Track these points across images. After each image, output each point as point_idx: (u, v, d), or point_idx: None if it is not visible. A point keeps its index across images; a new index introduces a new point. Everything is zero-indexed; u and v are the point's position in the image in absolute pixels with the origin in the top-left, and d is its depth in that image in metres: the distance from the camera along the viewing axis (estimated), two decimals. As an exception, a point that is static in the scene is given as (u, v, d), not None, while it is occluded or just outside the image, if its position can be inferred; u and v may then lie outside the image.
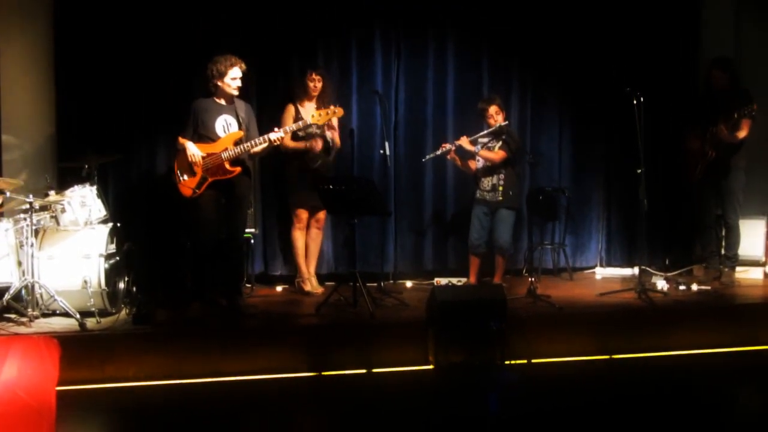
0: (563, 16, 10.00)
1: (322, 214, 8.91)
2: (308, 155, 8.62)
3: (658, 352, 7.61)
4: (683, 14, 10.31)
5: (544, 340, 7.48)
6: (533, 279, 8.51)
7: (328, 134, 8.66)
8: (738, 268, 9.46)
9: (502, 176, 8.74)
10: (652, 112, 8.56)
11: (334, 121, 8.65)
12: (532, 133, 10.17)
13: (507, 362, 7.14)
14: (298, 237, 8.86)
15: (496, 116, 8.74)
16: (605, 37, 10.08)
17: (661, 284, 9.02)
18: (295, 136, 8.53)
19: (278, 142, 7.87)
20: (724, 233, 9.42)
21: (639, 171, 8.40)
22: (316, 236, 9.00)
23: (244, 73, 7.81)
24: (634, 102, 8.32)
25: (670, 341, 7.72)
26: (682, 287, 9.01)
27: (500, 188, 8.73)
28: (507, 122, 8.82)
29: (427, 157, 8.97)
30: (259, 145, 7.79)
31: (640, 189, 8.40)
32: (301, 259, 8.93)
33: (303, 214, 8.81)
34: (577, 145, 10.34)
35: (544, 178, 10.02)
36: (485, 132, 8.74)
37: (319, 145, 8.61)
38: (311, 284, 8.91)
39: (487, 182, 8.82)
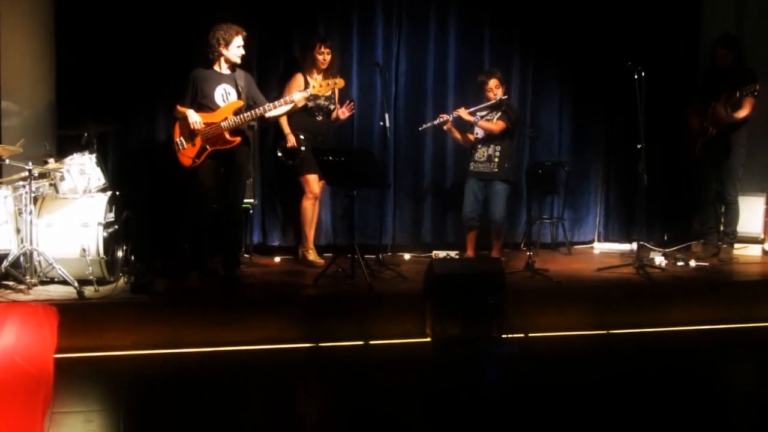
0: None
1: (317, 186, 8.90)
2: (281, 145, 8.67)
3: (656, 327, 7.66)
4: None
5: (542, 314, 7.51)
6: (531, 253, 8.54)
7: (344, 113, 8.66)
8: (737, 245, 9.52)
9: (498, 148, 8.73)
10: (653, 87, 8.56)
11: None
12: (532, 106, 10.16)
13: (504, 336, 7.16)
14: (309, 206, 8.83)
15: (495, 90, 8.73)
16: (607, 11, 10.06)
17: (660, 260, 9.06)
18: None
19: (302, 103, 7.95)
20: (723, 210, 9.45)
21: (639, 146, 8.38)
22: (314, 207, 8.99)
23: (245, 40, 7.79)
24: (635, 77, 8.30)
25: (667, 317, 7.76)
26: (680, 263, 9.05)
27: (496, 159, 8.71)
28: (506, 96, 8.80)
29: (424, 126, 8.96)
30: (280, 107, 7.83)
31: (640, 164, 8.39)
32: (308, 228, 8.91)
33: (314, 181, 8.78)
34: (577, 120, 10.34)
35: (543, 152, 10.02)
36: (484, 105, 8.73)
37: (291, 141, 8.62)
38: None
39: (482, 153, 8.80)
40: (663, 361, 6.84)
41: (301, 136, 8.62)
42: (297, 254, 9.07)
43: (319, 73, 8.69)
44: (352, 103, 8.72)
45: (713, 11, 10.32)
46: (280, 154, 8.69)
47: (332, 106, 8.72)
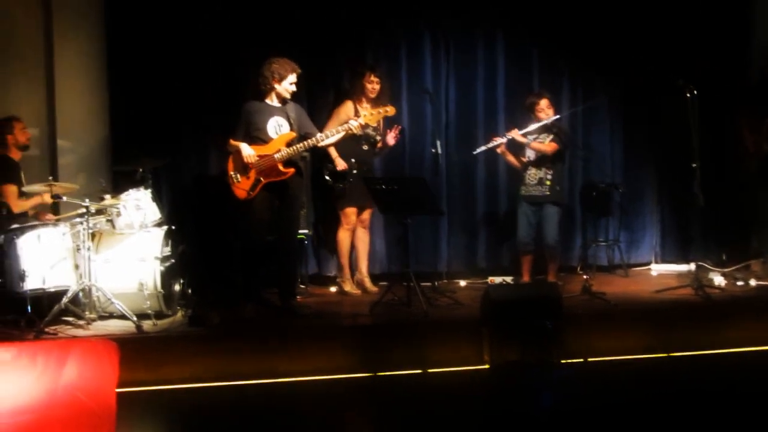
0: (612, 7, 9.90)
1: (367, 215, 8.91)
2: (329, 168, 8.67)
3: (716, 349, 7.51)
4: (734, 3, 10.18)
5: (600, 338, 7.42)
6: (588, 276, 8.45)
7: (391, 140, 8.65)
8: (796, 263, 9.35)
9: (550, 171, 8.69)
10: (706, 104, 8.45)
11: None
12: (583, 128, 10.09)
13: (563, 361, 7.09)
14: (344, 238, 8.86)
15: (546, 110, 8.69)
16: (656, 30, 9.97)
17: (719, 280, 8.93)
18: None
19: (358, 130, 7.99)
20: (781, 227, 9.31)
21: (694, 165, 8.29)
22: (363, 236, 8.99)
23: (299, 77, 7.84)
24: (687, 95, 8.23)
25: (728, 338, 7.61)
26: (739, 283, 8.92)
27: (548, 182, 8.67)
28: (558, 116, 8.77)
29: (478, 150, 8.92)
30: (334, 135, 7.90)
31: (695, 183, 8.29)
32: (344, 259, 8.94)
33: (351, 213, 8.80)
34: (630, 140, 10.26)
35: (596, 174, 9.95)
36: (537, 125, 8.69)
37: (340, 165, 8.62)
38: (364, 285, 8.91)
39: (533, 176, 8.76)
40: (724, 384, 6.73)
41: (353, 160, 8.63)
42: (353, 284, 9.04)
43: (368, 102, 8.70)
44: (398, 127, 8.67)
45: (764, 24, 10.20)
46: (327, 178, 8.70)
47: (378, 137, 8.71)
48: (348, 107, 8.72)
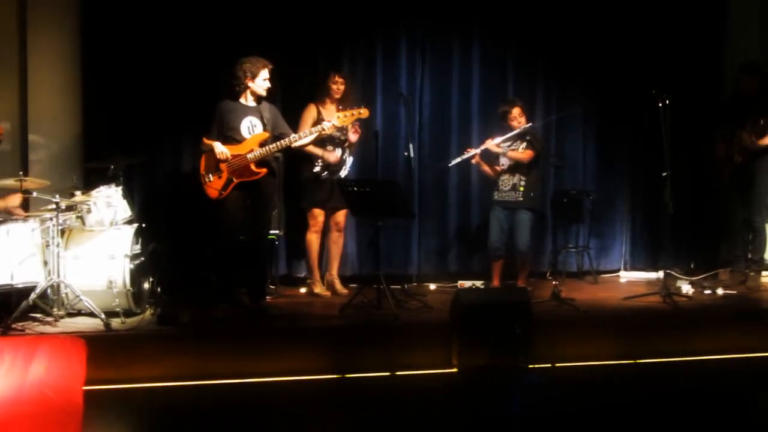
0: (588, 17, 9.98)
1: (341, 216, 8.89)
2: (321, 163, 8.63)
3: (683, 356, 7.56)
4: (709, 15, 10.30)
5: (569, 344, 7.44)
6: (557, 282, 8.50)
7: (353, 136, 8.62)
8: (764, 272, 9.41)
9: (524, 177, 8.73)
10: (678, 114, 8.51)
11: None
12: (557, 135, 10.14)
13: (531, 366, 7.12)
14: (313, 240, 8.84)
15: (519, 118, 8.74)
16: (631, 39, 10.04)
17: (687, 288, 8.98)
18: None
19: (328, 132, 7.98)
20: (750, 237, 9.37)
21: (664, 174, 8.35)
22: (337, 239, 8.98)
23: (271, 73, 7.83)
24: (660, 104, 8.29)
25: (695, 345, 7.65)
26: (707, 291, 8.97)
27: (521, 188, 8.72)
28: (531, 124, 8.81)
29: (452, 162, 8.95)
30: (307, 136, 7.94)
31: (666, 192, 8.35)
32: (314, 261, 8.93)
33: (319, 215, 8.79)
34: (602, 148, 10.31)
35: (568, 181, 10.00)
36: (511, 134, 8.73)
37: (332, 158, 8.60)
38: (335, 286, 8.90)
39: (507, 182, 8.81)
40: (690, 390, 6.78)
41: (328, 173, 8.64)
42: (322, 286, 9.02)
43: (332, 103, 8.69)
44: (357, 125, 8.58)
45: (737, 37, 10.29)
46: (321, 171, 8.62)
47: (343, 137, 8.70)
48: (311, 110, 8.69)
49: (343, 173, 8.69)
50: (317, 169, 8.61)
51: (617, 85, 10.03)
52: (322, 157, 8.56)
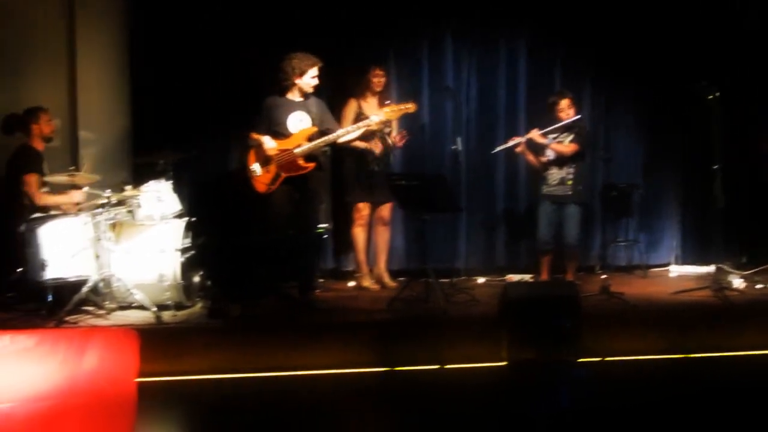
0: (637, 9, 9.88)
1: (386, 210, 8.92)
2: (368, 156, 8.63)
3: (734, 351, 7.46)
4: (761, 7, 10.13)
5: (618, 338, 7.40)
6: (606, 276, 8.45)
7: (392, 136, 8.64)
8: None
9: (571, 170, 8.68)
10: (729, 106, 8.44)
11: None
12: (605, 128, 10.08)
13: (580, 360, 7.09)
14: (359, 233, 8.89)
15: (567, 110, 8.68)
16: (680, 31, 9.93)
17: (738, 282, 8.88)
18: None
19: (377, 127, 7.96)
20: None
21: (715, 167, 8.27)
22: (383, 232, 9.02)
23: (320, 70, 7.84)
24: (709, 97, 8.21)
25: (746, 340, 7.55)
26: (759, 285, 8.87)
27: (569, 182, 8.67)
28: (579, 116, 8.76)
29: (497, 149, 8.94)
30: (355, 131, 7.93)
31: (716, 185, 8.27)
32: (361, 255, 8.97)
33: (364, 209, 8.82)
34: (651, 141, 10.25)
35: (617, 174, 9.94)
36: (557, 125, 8.68)
37: (378, 147, 8.60)
38: (383, 280, 8.94)
39: (555, 175, 8.76)
40: (741, 386, 6.69)
41: (375, 168, 8.65)
42: (371, 279, 9.05)
43: (373, 96, 8.72)
44: (404, 132, 8.64)
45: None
46: (376, 167, 8.66)
47: (387, 129, 8.70)
48: (352, 106, 8.73)
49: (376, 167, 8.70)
50: (370, 165, 8.64)
51: (666, 78, 9.94)
52: (366, 149, 8.57)
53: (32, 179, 7.78)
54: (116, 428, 4.52)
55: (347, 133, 7.91)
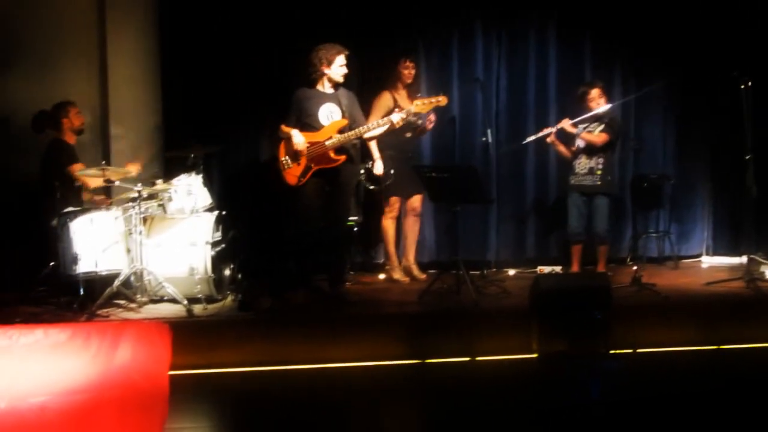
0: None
1: (417, 202, 8.90)
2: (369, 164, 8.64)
3: (766, 342, 7.43)
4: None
5: (650, 330, 7.38)
6: (638, 267, 8.40)
7: (428, 125, 8.62)
8: None
9: (601, 160, 8.61)
10: (761, 95, 8.36)
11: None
12: (636, 118, 10.01)
13: (611, 351, 7.07)
14: (389, 225, 8.88)
15: (598, 99, 8.61)
16: (711, 20, 9.82)
17: (770, 273, 8.83)
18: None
19: (401, 124, 7.90)
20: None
21: (747, 157, 8.21)
22: (414, 224, 9.00)
23: (347, 59, 7.84)
24: (742, 86, 8.14)
25: (780, 332, 7.55)
26: (792, 276, 8.80)
27: (598, 172, 8.59)
28: (610, 106, 8.70)
29: (528, 139, 8.89)
30: (377, 128, 7.86)
31: (748, 175, 8.21)
32: (391, 247, 8.96)
33: (395, 201, 8.82)
34: (682, 131, 10.15)
35: (648, 165, 9.88)
36: (587, 115, 8.63)
37: (377, 170, 8.57)
38: (412, 272, 8.94)
39: (583, 165, 8.68)
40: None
41: (391, 170, 8.61)
42: (401, 272, 9.05)
43: (404, 88, 8.70)
44: (432, 115, 8.59)
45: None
46: (362, 180, 8.67)
47: (420, 122, 8.70)
48: (386, 98, 8.67)
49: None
50: (362, 179, 8.64)
51: (698, 68, 9.84)
52: (372, 160, 8.57)
53: (77, 167, 7.85)
54: (149, 421, 4.54)
55: (369, 129, 7.83)
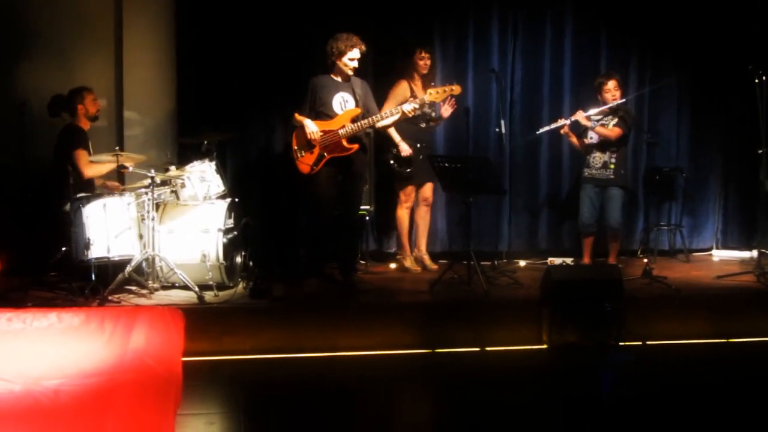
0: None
1: (429, 191, 8.91)
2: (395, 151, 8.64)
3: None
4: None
5: (660, 322, 7.40)
6: (649, 260, 8.40)
7: (446, 111, 8.61)
8: None
9: (614, 154, 8.60)
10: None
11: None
12: (650, 112, 10.00)
13: (621, 343, 7.08)
14: (404, 215, 8.87)
15: (614, 91, 8.59)
16: (726, 14, 9.80)
17: (781, 267, 8.81)
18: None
19: (413, 113, 7.89)
20: None
21: (760, 151, 8.21)
22: (425, 214, 9.01)
23: (362, 54, 7.84)
24: (756, 80, 8.13)
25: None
26: (802, 270, 8.79)
27: (612, 166, 8.59)
28: (624, 100, 8.69)
29: (541, 130, 8.88)
30: (389, 117, 7.86)
31: (762, 170, 8.22)
32: (405, 237, 8.96)
33: (411, 191, 8.83)
34: (696, 125, 10.13)
35: (661, 158, 9.85)
36: (601, 108, 8.62)
37: (404, 152, 8.56)
38: (423, 262, 8.94)
39: (597, 159, 8.68)
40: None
41: (418, 145, 8.62)
42: (413, 261, 9.05)
43: (419, 79, 8.70)
44: (452, 100, 8.57)
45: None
46: (393, 162, 8.68)
47: (434, 113, 8.70)
48: (404, 87, 8.66)
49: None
50: (392, 161, 8.64)
51: (712, 62, 9.83)
52: (397, 146, 8.57)
53: (81, 153, 7.84)
54: (163, 405, 4.55)
55: (382, 119, 7.83)
